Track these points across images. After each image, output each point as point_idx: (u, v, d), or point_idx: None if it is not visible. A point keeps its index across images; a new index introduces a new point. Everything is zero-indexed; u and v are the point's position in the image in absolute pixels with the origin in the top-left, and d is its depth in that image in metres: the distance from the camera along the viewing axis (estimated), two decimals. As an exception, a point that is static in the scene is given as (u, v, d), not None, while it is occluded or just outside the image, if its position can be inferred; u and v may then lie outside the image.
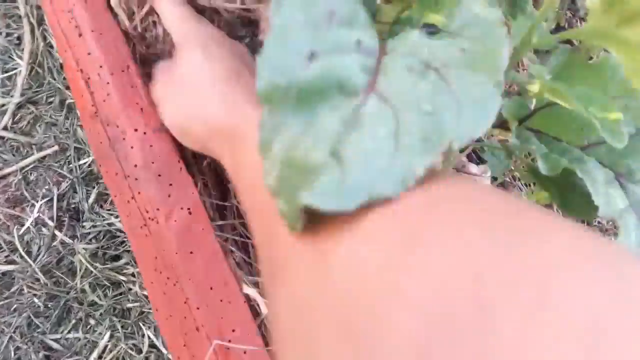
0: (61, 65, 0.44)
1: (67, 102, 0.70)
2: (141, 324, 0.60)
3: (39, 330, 0.59)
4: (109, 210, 0.64)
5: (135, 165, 0.41)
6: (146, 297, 0.39)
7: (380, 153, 0.16)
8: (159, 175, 0.40)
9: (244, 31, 0.48)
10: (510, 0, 0.30)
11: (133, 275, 0.61)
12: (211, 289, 0.39)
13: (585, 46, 0.28)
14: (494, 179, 0.53)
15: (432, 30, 0.22)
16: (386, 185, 0.15)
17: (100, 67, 0.42)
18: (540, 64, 0.34)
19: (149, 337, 0.59)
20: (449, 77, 0.16)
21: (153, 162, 0.41)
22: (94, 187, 0.65)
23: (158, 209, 0.40)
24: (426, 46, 0.18)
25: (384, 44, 0.19)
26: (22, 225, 0.63)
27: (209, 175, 0.46)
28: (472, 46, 0.18)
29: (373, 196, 0.15)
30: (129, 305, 0.61)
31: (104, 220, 0.64)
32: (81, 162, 0.67)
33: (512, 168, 0.50)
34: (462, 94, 0.16)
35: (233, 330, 0.39)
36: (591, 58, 0.32)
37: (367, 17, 0.19)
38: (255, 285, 0.43)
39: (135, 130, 0.41)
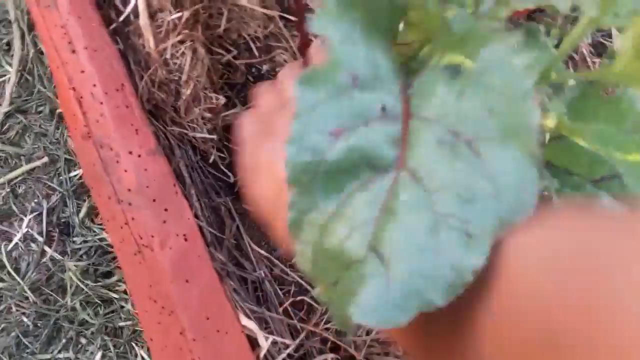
0: (52, 73, 0.42)
1: (58, 111, 0.68)
2: (134, 344, 0.58)
3: (28, 350, 0.58)
4: (100, 224, 0.62)
5: (129, 190, 0.39)
6: (139, 315, 0.37)
7: (422, 251, 0.15)
8: (154, 200, 0.39)
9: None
10: (525, 30, 0.29)
11: (125, 292, 0.59)
12: (207, 319, 0.38)
13: (603, 82, 0.27)
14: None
15: (453, 71, 0.21)
16: (435, 293, 0.14)
17: (94, 85, 0.41)
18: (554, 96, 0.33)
19: (142, 357, 0.57)
20: (481, 152, 0.15)
21: (148, 186, 0.39)
22: (84, 201, 0.63)
23: (152, 236, 0.38)
24: (453, 108, 0.17)
25: (407, 97, 0.18)
26: (10, 240, 0.61)
27: (205, 198, 0.45)
28: (497, 103, 0.17)
29: (422, 307, 0.14)
30: (121, 323, 0.59)
31: (95, 235, 0.62)
32: (72, 174, 0.65)
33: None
34: (498, 173, 0.15)
35: (230, 363, 0.37)
36: (606, 93, 0.31)
37: (388, 65, 0.18)
38: (253, 312, 0.42)
39: (130, 152, 0.40)
